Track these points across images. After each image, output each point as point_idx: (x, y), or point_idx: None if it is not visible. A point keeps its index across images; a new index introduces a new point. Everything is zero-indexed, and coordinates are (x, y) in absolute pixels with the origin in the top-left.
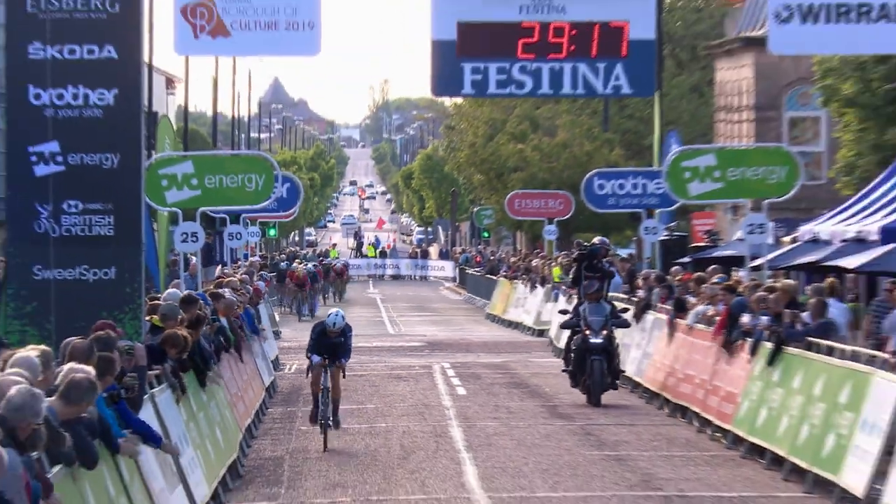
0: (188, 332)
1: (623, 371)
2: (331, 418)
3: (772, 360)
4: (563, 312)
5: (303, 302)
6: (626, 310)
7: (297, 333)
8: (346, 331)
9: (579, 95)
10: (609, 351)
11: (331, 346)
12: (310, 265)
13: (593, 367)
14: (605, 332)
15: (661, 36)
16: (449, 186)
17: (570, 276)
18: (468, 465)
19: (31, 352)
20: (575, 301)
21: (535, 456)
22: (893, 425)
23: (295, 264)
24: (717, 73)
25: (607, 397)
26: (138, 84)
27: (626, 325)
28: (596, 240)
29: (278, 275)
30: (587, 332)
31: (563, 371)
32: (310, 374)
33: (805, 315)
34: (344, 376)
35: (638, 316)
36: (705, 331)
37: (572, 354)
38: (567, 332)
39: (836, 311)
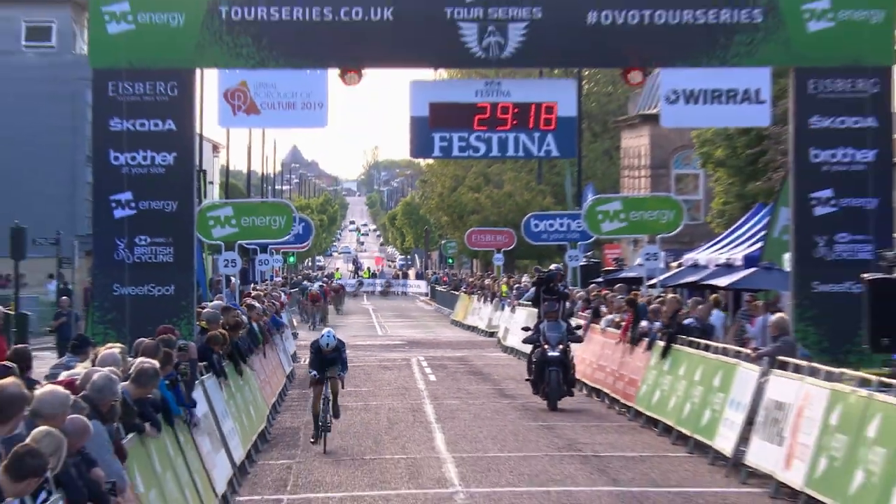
0: (227, 332)
1: (577, 379)
2: (330, 422)
3: (664, 354)
4: (526, 329)
5: (316, 313)
6: (579, 327)
7: (311, 335)
8: (339, 347)
9: (520, 157)
10: (565, 363)
11: (329, 360)
12: (316, 285)
13: (551, 376)
14: (561, 346)
15: (581, 113)
16: (423, 225)
17: (530, 297)
18: (437, 432)
19: (114, 349)
20: (536, 319)
21: (487, 426)
22: (753, 403)
23: (308, 284)
24: (622, 141)
25: (563, 402)
26: (191, 149)
27: (579, 340)
28: (553, 266)
29: (301, 291)
30: (546, 346)
31: (526, 380)
32: (313, 390)
33: (689, 320)
34: (342, 387)
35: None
36: (614, 332)
37: (533, 366)
38: (529, 347)
39: (716, 317)
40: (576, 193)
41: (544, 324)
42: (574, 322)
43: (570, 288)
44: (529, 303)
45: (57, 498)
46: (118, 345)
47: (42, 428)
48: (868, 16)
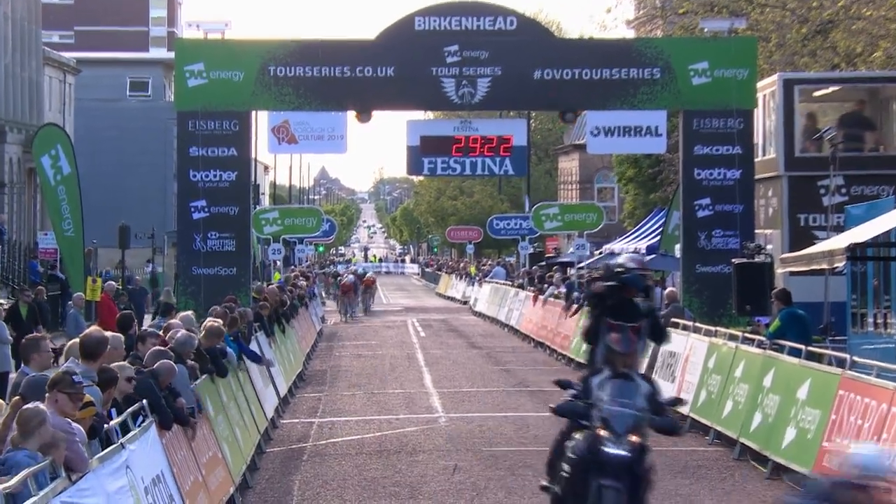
0: (274, 304)
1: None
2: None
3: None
4: (564, 387)
5: (350, 305)
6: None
7: (344, 329)
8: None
9: (486, 175)
10: (636, 474)
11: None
12: (349, 276)
13: (603, 499)
14: (633, 437)
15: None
16: (415, 224)
17: (584, 322)
18: (426, 374)
19: (189, 313)
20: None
21: (461, 369)
22: (653, 352)
23: (345, 275)
24: (559, 163)
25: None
26: (248, 169)
27: (675, 431)
28: (626, 259)
29: (332, 276)
30: (602, 431)
31: (542, 489)
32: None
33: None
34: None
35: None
36: (554, 301)
37: (565, 465)
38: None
39: None
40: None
41: (603, 380)
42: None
43: (523, 269)
44: (496, 281)
45: (151, 421)
46: (190, 312)
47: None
48: (736, 73)
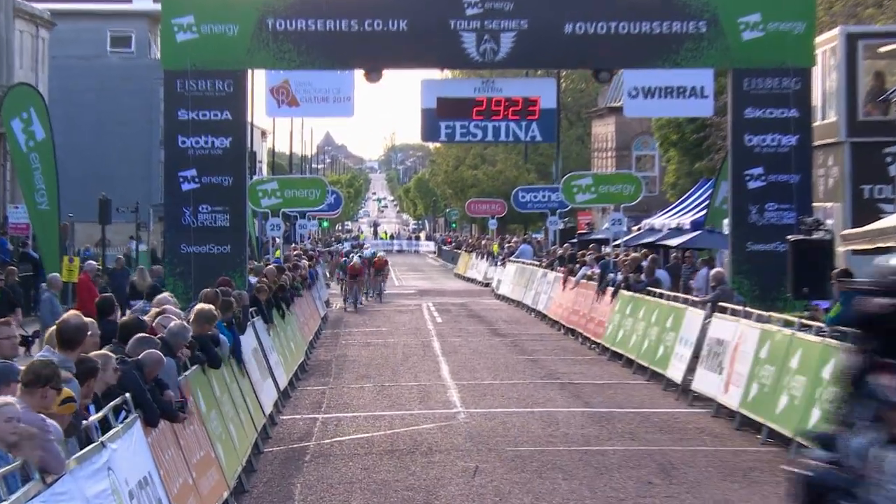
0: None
1: None
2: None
3: (613, 295)
4: (824, 444)
5: (359, 291)
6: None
7: (350, 317)
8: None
9: (510, 142)
10: None
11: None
12: (356, 257)
13: None
14: None
15: (559, 106)
16: (431, 197)
17: (847, 358)
18: (443, 364)
19: (166, 295)
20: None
21: (483, 359)
22: (698, 340)
23: (353, 257)
24: (592, 128)
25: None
26: (244, 135)
27: None
28: None
29: (333, 256)
30: None
31: None
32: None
33: (640, 283)
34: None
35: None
36: (585, 283)
37: None
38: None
39: (660, 273)
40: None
41: (877, 447)
42: None
43: (553, 247)
44: (521, 261)
45: (135, 417)
46: (168, 293)
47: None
48: (792, 27)
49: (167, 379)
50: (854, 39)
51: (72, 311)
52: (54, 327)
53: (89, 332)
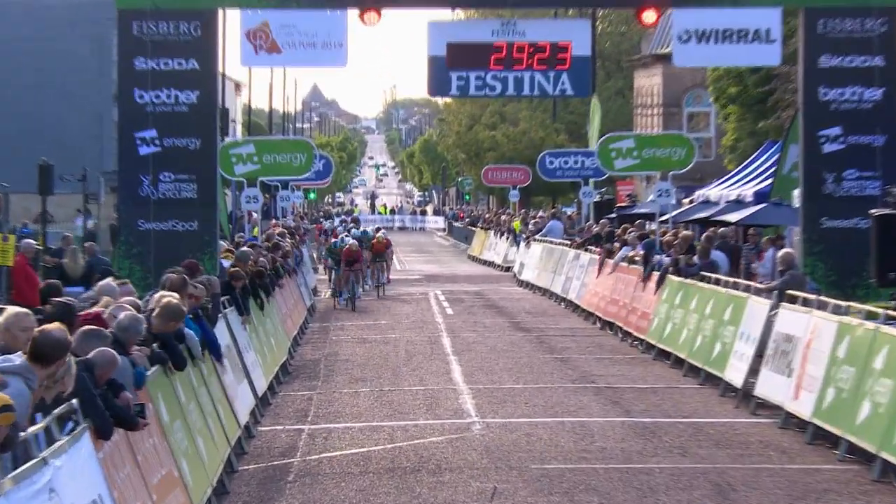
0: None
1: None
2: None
3: (659, 282)
4: None
5: (357, 283)
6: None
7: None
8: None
9: (535, 96)
10: None
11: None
12: (349, 239)
13: None
14: None
15: (595, 53)
16: (440, 162)
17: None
18: (454, 364)
19: (109, 281)
20: None
21: (502, 358)
22: (763, 336)
23: (344, 237)
24: (635, 80)
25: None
26: (214, 88)
27: None
28: None
29: (330, 248)
30: None
31: None
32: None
33: (695, 258)
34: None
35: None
36: (627, 267)
37: None
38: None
39: (716, 255)
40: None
41: None
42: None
43: (589, 222)
44: (549, 240)
45: (84, 428)
46: (110, 279)
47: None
48: None
49: (120, 378)
50: None
51: (56, 324)
52: (23, 333)
53: (21, 327)
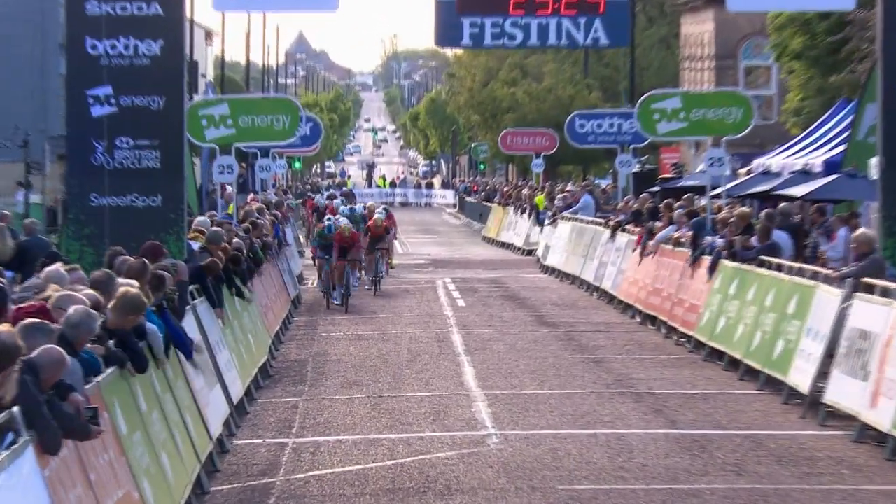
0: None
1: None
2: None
3: (711, 270)
4: None
5: (353, 275)
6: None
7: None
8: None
9: (563, 47)
10: None
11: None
12: (342, 220)
13: None
14: None
15: None
16: (450, 125)
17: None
18: (466, 366)
19: (57, 267)
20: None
21: (524, 359)
22: (834, 332)
23: (339, 219)
24: (682, 27)
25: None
26: (181, 37)
27: None
28: None
29: (320, 234)
30: None
31: None
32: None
33: (753, 239)
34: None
35: (612, 234)
36: (672, 250)
37: None
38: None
39: (778, 237)
40: (628, 88)
41: None
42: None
43: (628, 196)
44: (579, 218)
45: (26, 441)
46: (59, 264)
47: None
48: None
49: (70, 381)
50: None
51: (5, 326)
52: None
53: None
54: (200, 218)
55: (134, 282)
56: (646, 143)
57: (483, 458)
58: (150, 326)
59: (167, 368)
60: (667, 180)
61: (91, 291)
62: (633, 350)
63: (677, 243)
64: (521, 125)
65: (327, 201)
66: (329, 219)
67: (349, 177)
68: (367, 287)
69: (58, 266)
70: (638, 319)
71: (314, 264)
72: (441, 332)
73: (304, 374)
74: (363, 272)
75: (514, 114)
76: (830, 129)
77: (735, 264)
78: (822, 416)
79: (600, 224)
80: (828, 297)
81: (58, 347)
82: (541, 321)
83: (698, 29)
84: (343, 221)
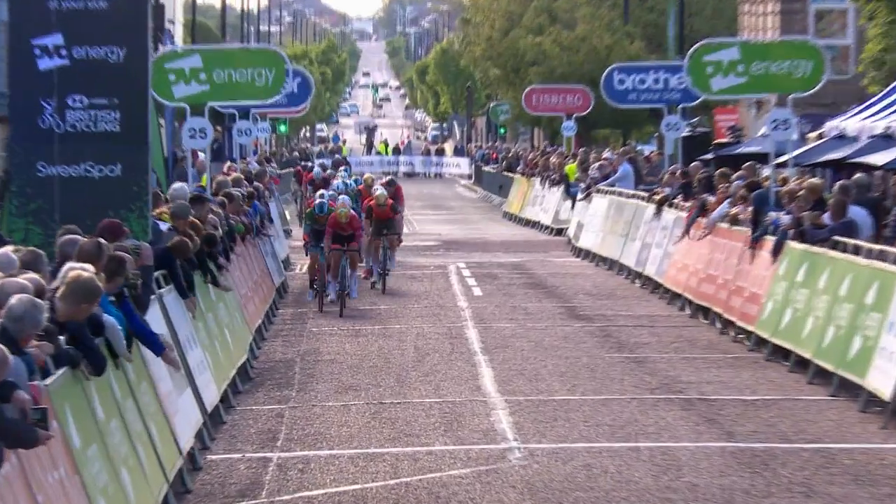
0: (196, 231)
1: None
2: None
3: (775, 251)
4: None
5: (352, 269)
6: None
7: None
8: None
9: None
10: None
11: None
12: (342, 197)
13: None
14: None
15: None
16: (464, 81)
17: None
18: (484, 367)
19: (6, 250)
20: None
21: (552, 358)
22: None
23: (339, 198)
24: None
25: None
26: None
27: None
28: None
29: (309, 216)
30: None
31: None
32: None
33: (825, 216)
34: None
35: (658, 211)
36: (728, 229)
37: None
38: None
39: (855, 213)
40: (677, 35)
41: None
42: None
43: (674, 166)
44: (619, 190)
45: None
46: (9, 248)
47: None
48: None
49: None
50: None
51: None
52: None
53: None
54: (177, 185)
55: (88, 265)
56: (697, 102)
57: (504, 476)
58: (108, 319)
59: (129, 370)
60: (722, 146)
61: (34, 275)
62: (681, 348)
63: (735, 221)
64: (549, 81)
65: (326, 173)
66: (322, 195)
67: (344, 142)
68: (372, 279)
69: (7, 249)
70: (688, 312)
71: (306, 255)
72: (454, 326)
73: (292, 377)
74: (363, 272)
75: (540, 67)
76: None
77: (804, 246)
78: None
79: (643, 198)
80: None
81: (1, 346)
82: (572, 314)
83: None
84: (342, 202)
